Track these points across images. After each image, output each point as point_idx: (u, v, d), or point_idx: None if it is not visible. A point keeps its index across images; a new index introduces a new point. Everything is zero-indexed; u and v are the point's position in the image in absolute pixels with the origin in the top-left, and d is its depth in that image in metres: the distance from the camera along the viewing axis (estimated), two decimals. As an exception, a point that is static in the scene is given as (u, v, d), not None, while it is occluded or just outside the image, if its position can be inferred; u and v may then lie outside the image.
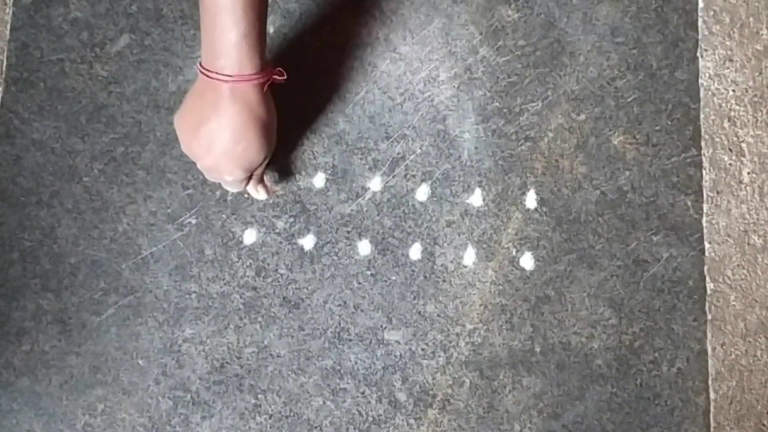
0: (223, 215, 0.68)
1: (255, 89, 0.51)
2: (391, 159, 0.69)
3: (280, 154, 0.69)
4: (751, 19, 0.71)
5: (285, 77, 0.54)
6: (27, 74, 0.70)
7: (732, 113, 0.70)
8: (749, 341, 0.67)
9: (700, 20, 0.71)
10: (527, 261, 0.68)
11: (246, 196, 0.69)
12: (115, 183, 0.69)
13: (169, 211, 0.69)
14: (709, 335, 0.68)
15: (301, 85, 0.70)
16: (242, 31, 0.48)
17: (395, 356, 0.67)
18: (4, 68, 0.70)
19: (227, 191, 0.68)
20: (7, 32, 0.70)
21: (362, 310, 0.68)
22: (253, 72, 0.50)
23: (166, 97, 0.70)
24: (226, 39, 0.48)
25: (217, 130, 0.51)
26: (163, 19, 0.71)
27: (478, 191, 0.69)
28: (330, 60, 0.70)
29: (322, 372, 0.67)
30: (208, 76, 0.50)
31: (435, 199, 0.69)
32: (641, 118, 0.70)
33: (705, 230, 0.69)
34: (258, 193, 0.63)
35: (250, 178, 0.59)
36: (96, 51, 0.70)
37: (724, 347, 0.67)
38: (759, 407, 0.67)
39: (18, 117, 0.69)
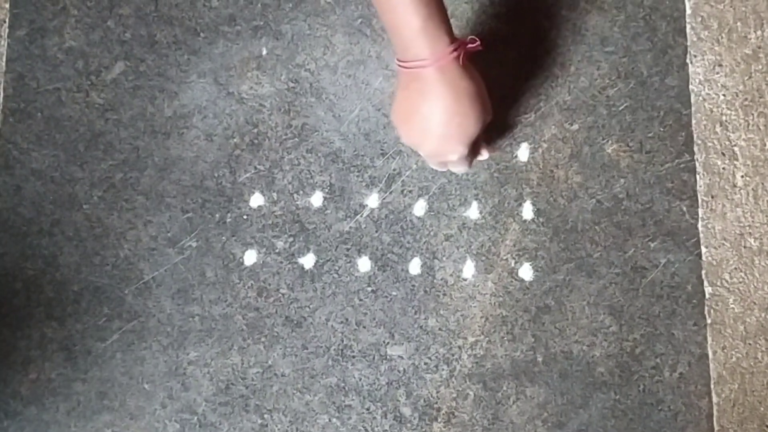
0: (223, 237, 0.69)
1: (453, 65, 0.51)
2: (387, 175, 0.70)
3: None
4: (738, 23, 0.71)
5: (478, 42, 0.54)
6: (24, 105, 0.71)
7: (723, 118, 0.70)
8: (749, 344, 0.68)
9: (688, 26, 0.72)
10: (526, 272, 0.69)
11: (245, 217, 0.69)
12: (115, 209, 0.69)
13: (169, 235, 0.69)
14: (709, 339, 0.68)
15: (295, 106, 0.71)
16: (423, 16, 0.48)
17: (399, 371, 0.68)
18: (1, 99, 0.71)
19: (226, 214, 0.69)
20: (3, 63, 0.71)
21: (364, 327, 0.68)
22: (445, 48, 0.50)
23: (162, 122, 0.70)
24: (410, 28, 0.49)
25: (429, 114, 0.52)
26: (157, 45, 0.71)
27: (474, 204, 0.70)
28: (323, 79, 0.71)
29: (327, 389, 0.68)
30: (406, 67, 0.51)
31: (432, 213, 0.70)
32: (634, 125, 0.70)
33: (701, 235, 0.69)
34: (482, 155, 0.61)
35: (474, 152, 0.58)
36: (92, 79, 0.71)
37: (725, 350, 0.68)
38: (762, 409, 0.67)
39: (17, 147, 0.70)
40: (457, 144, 0.54)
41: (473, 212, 0.69)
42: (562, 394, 0.67)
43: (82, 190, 0.70)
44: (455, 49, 0.50)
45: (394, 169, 0.70)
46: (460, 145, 0.55)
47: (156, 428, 0.67)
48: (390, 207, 0.70)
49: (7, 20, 0.72)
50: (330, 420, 0.67)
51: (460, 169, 0.60)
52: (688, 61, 0.71)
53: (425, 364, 0.68)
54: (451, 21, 0.71)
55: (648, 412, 0.67)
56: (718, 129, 0.70)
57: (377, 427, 0.67)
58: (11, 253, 0.69)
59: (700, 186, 0.70)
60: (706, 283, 0.69)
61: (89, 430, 0.67)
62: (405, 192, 0.70)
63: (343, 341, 0.68)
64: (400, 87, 0.54)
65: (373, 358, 0.68)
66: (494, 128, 0.70)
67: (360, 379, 0.68)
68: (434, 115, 0.52)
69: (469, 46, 0.53)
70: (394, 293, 0.69)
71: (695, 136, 0.70)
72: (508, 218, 0.69)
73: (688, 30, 0.72)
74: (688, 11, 0.72)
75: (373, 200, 0.70)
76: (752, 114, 0.70)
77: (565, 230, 0.69)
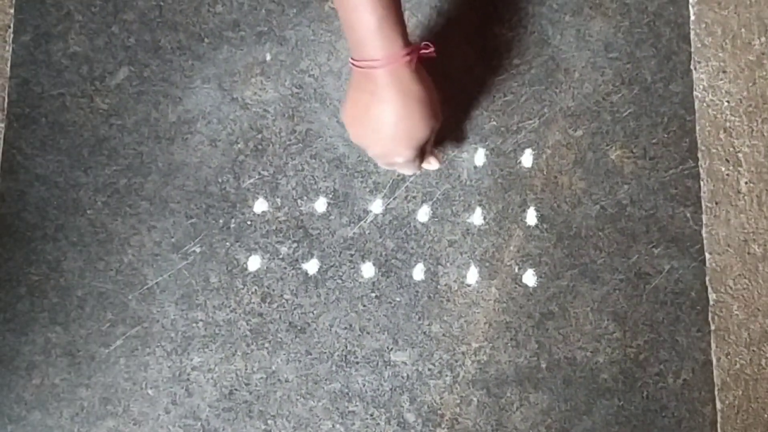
0: (227, 243, 0.69)
1: (405, 68, 0.51)
2: (391, 181, 0.70)
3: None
4: (743, 30, 0.71)
5: (432, 49, 0.54)
6: (29, 110, 0.71)
7: (727, 124, 0.70)
8: (753, 350, 0.68)
9: (692, 33, 0.72)
10: (530, 278, 0.69)
11: (249, 223, 0.69)
12: (119, 215, 0.69)
13: (173, 240, 0.69)
14: (713, 345, 0.68)
15: (299, 111, 0.71)
16: (379, 16, 0.49)
17: (402, 377, 0.68)
18: (5, 105, 0.71)
19: (230, 219, 0.69)
20: (8, 69, 0.71)
21: (368, 333, 0.68)
22: (399, 51, 0.51)
23: (166, 128, 0.70)
24: (365, 27, 0.49)
25: (380, 116, 0.53)
26: (161, 51, 0.71)
27: (478, 210, 0.70)
28: (327, 85, 0.71)
29: (331, 395, 0.68)
30: (359, 66, 0.51)
31: (436, 219, 0.70)
32: (638, 131, 0.70)
33: (705, 241, 0.69)
34: (431, 164, 0.63)
35: (422, 155, 0.59)
36: (96, 84, 0.71)
37: (729, 357, 0.68)
38: (766, 416, 0.67)
39: (21, 153, 0.70)
40: (404, 147, 0.55)
41: (477, 218, 0.69)
42: (566, 401, 0.67)
43: (86, 195, 0.70)
44: (408, 53, 0.51)
45: (398, 175, 0.70)
46: (408, 149, 0.55)
47: (160, 434, 0.67)
48: (394, 213, 0.70)
49: (11, 26, 0.72)
50: (333, 426, 0.67)
51: (407, 171, 0.60)
52: (692, 67, 0.71)
53: (429, 370, 0.68)
54: (456, 26, 0.71)
55: (652, 419, 0.67)
56: (722, 135, 0.70)
57: (381, 433, 0.67)
58: (15, 258, 0.69)
59: (704, 192, 0.70)
60: (710, 290, 0.69)
61: (93, 436, 0.67)
62: (409, 198, 0.70)
63: (346, 347, 0.68)
64: (352, 87, 0.54)
65: (377, 363, 0.68)
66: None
67: (364, 385, 0.68)
68: (384, 117, 0.52)
69: (423, 51, 0.53)
70: (397, 299, 0.69)
71: (699, 142, 0.70)
72: (511, 224, 0.69)
73: (692, 36, 0.72)
74: (692, 17, 0.72)
75: (376, 206, 0.70)
76: (756, 120, 0.70)
77: (568, 236, 0.69)
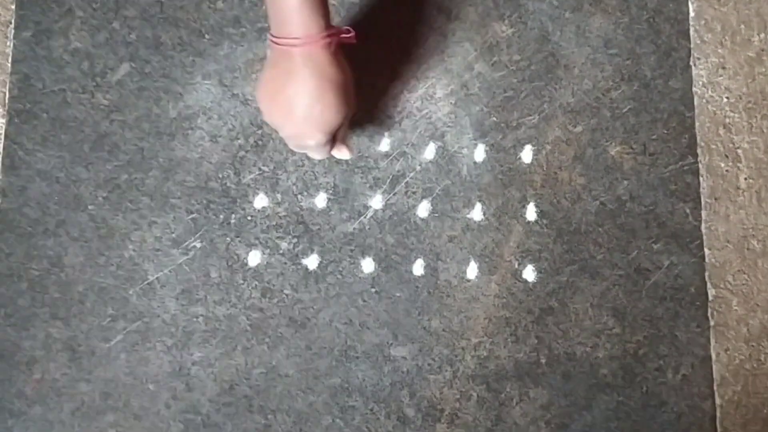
0: (228, 238, 0.69)
1: (324, 51, 0.51)
2: (391, 177, 0.70)
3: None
4: (742, 26, 0.71)
5: (353, 34, 0.54)
6: (30, 105, 0.71)
7: (727, 120, 0.70)
8: (752, 345, 0.68)
9: (691, 29, 0.72)
10: (529, 273, 0.69)
11: (250, 218, 0.69)
12: (120, 210, 0.70)
13: (173, 236, 0.69)
14: (712, 341, 0.68)
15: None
16: None
17: (402, 372, 0.68)
18: (7, 100, 0.71)
19: (230, 215, 0.69)
20: (9, 65, 0.72)
21: (368, 328, 0.68)
22: (319, 33, 0.51)
23: (167, 123, 0.71)
24: (288, 5, 0.49)
25: (294, 96, 0.52)
26: (162, 47, 0.72)
27: (478, 206, 0.70)
28: (328, 81, 0.71)
29: (331, 390, 0.68)
30: (278, 43, 0.51)
31: (436, 215, 0.70)
32: (637, 128, 0.70)
33: (704, 237, 0.69)
34: (341, 153, 0.63)
35: (333, 142, 0.59)
36: (97, 80, 0.71)
37: (728, 352, 0.68)
38: (765, 411, 0.67)
39: (22, 148, 0.70)
40: (316, 131, 0.54)
41: (477, 214, 0.70)
42: (566, 396, 0.68)
43: (87, 190, 0.70)
44: (328, 35, 0.51)
45: (398, 171, 0.70)
46: (320, 133, 0.55)
47: (160, 428, 0.67)
48: (394, 208, 0.70)
49: (13, 21, 0.72)
50: (333, 420, 0.67)
51: (316, 155, 0.60)
52: (691, 63, 0.71)
53: (429, 365, 0.68)
54: (455, 23, 0.71)
55: (651, 414, 0.67)
56: (721, 131, 0.70)
57: (381, 427, 0.67)
58: (16, 254, 0.69)
59: (704, 188, 0.70)
60: (709, 285, 0.69)
61: (93, 430, 0.67)
62: (409, 193, 0.70)
63: (346, 342, 0.68)
64: (269, 64, 0.54)
65: (377, 359, 0.68)
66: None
67: (363, 380, 0.68)
68: (300, 98, 0.52)
69: (343, 36, 0.53)
70: (397, 294, 0.69)
71: (699, 138, 0.70)
72: (511, 220, 0.70)
73: (691, 33, 0.72)
74: (692, 14, 0.72)
75: (376, 202, 0.70)
76: (756, 116, 0.70)
77: (568, 232, 0.69)
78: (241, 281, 0.69)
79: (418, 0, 0.72)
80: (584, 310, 0.68)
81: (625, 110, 0.71)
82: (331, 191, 0.70)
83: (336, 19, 0.72)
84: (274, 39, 0.52)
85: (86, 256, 0.69)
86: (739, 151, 0.70)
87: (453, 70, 0.71)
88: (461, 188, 0.70)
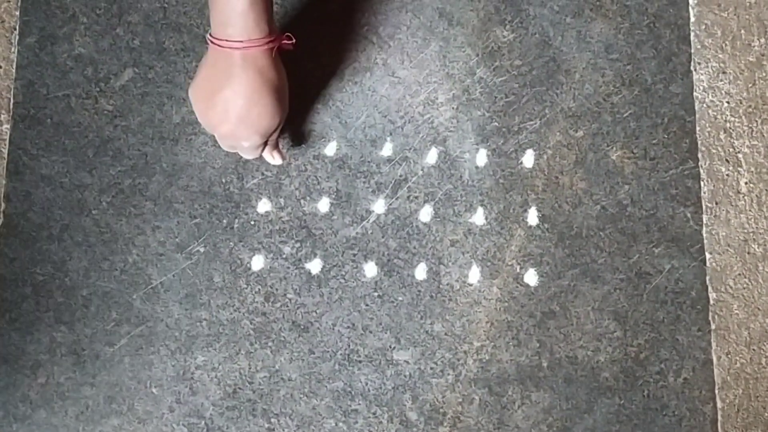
0: (231, 243, 0.70)
1: (265, 54, 0.52)
2: (393, 181, 0.71)
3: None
4: (742, 31, 0.72)
5: (293, 41, 0.55)
6: (34, 111, 0.71)
7: (727, 125, 0.71)
8: (754, 349, 0.68)
9: (692, 34, 0.72)
10: (531, 277, 0.69)
11: (253, 223, 0.70)
12: (124, 215, 0.70)
13: (177, 240, 0.70)
14: (713, 344, 0.69)
15: (303, 112, 0.71)
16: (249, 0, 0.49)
17: (405, 376, 0.68)
18: (11, 106, 0.72)
19: (233, 219, 0.70)
20: (13, 70, 0.72)
21: (371, 332, 0.69)
22: (261, 37, 0.51)
23: (170, 129, 0.71)
24: (233, 7, 0.49)
25: (231, 97, 0.53)
26: (166, 53, 0.72)
27: (480, 210, 0.70)
28: (330, 86, 0.72)
29: (334, 394, 0.68)
30: (218, 45, 0.51)
31: (438, 219, 0.70)
32: (638, 132, 0.71)
33: (705, 241, 0.70)
34: (274, 158, 0.63)
35: (265, 144, 0.59)
36: (101, 86, 0.72)
37: (729, 356, 0.68)
38: (766, 414, 0.68)
39: (26, 153, 0.71)
40: (252, 133, 0.55)
41: (479, 218, 0.70)
42: (567, 399, 0.68)
43: (91, 195, 0.70)
44: (271, 41, 0.51)
45: (401, 176, 0.71)
46: (255, 135, 0.55)
47: (164, 432, 0.68)
48: (396, 213, 0.70)
49: (17, 27, 0.72)
50: (336, 424, 0.68)
51: (248, 155, 0.61)
52: (692, 68, 0.72)
53: (431, 368, 0.68)
54: (456, 29, 0.72)
55: (652, 418, 0.68)
56: (722, 136, 0.71)
57: (383, 431, 0.68)
58: (21, 258, 0.70)
59: (704, 192, 0.70)
60: (710, 289, 0.69)
61: (98, 434, 0.68)
62: (411, 198, 0.70)
63: (349, 346, 0.69)
64: (206, 64, 0.54)
65: (380, 362, 0.68)
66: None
67: (366, 384, 0.68)
68: (237, 99, 0.52)
69: (284, 42, 0.54)
70: (400, 298, 0.69)
71: (699, 142, 0.71)
72: (513, 224, 0.70)
73: (692, 38, 0.72)
74: (692, 19, 0.72)
75: (379, 206, 0.70)
76: (756, 121, 0.71)
77: (570, 236, 0.70)
78: (245, 285, 0.69)
79: (419, 5, 0.72)
80: (585, 313, 0.69)
81: (626, 115, 0.71)
82: (333, 196, 0.70)
83: (338, 23, 0.72)
84: (214, 40, 0.52)
85: (90, 261, 0.69)
86: (740, 155, 0.70)
87: (454, 75, 0.72)
88: (463, 193, 0.70)
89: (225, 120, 0.54)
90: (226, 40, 0.51)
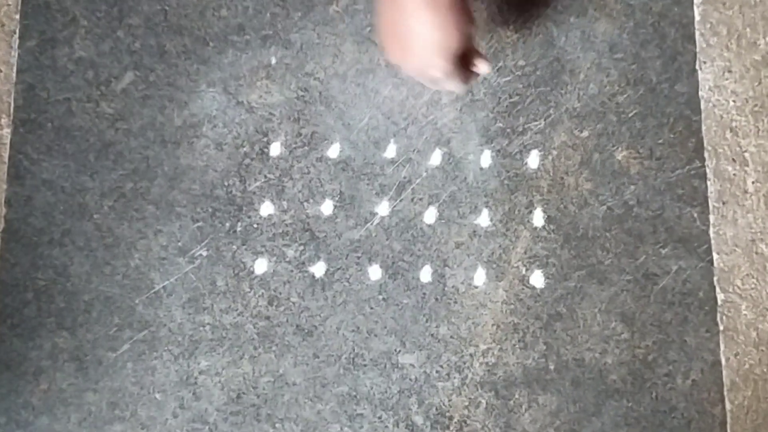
0: (234, 246, 0.69)
1: None
2: (397, 183, 0.70)
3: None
4: (748, 29, 0.71)
5: None
6: (35, 115, 0.71)
7: (734, 124, 0.70)
8: (762, 350, 0.68)
9: (697, 33, 0.72)
10: (537, 279, 0.69)
11: (256, 226, 0.69)
12: (126, 219, 0.69)
13: (179, 244, 0.69)
14: (722, 346, 0.68)
15: (304, 114, 0.71)
16: None
17: (410, 379, 0.68)
18: (11, 110, 0.71)
19: (236, 223, 0.69)
20: (14, 74, 0.71)
21: (375, 335, 0.68)
22: None
23: (172, 132, 0.70)
24: None
25: (411, 29, 0.52)
26: (167, 55, 0.71)
27: (485, 212, 0.70)
28: (333, 88, 0.71)
29: (338, 398, 0.67)
30: None
31: (443, 221, 0.69)
32: (644, 132, 0.70)
33: (712, 241, 0.69)
34: (480, 68, 0.59)
35: (464, 67, 0.56)
36: (101, 89, 0.71)
37: (738, 357, 0.68)
38: (775, 416, 0.67)
39: (27, 158, 0.70)
40: (439, 58, 0.53)
41: (484, 220, 0.69)
42: (575, 402, 0.67)
43: (92, 199, 0.70)
44: None
45: (404, 177, 0.70)
46: (443, 60, 0.53)
47: (167, 438, 0.67)
48: (400, 215, 0.70)
49: (17, 31, 0.72)
50: (342, 429, 0.67)
51: (453, 88, 0.58)
52: (697, 67, 0.71)
53: (437, 372, 0.68)
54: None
55: (661, 420, 0.67)
56: (728, 135, 0.70)
57: (389, 436, 0.67)
58: (22, 263, 0.69)
59: (711, 192, 0.70)
60: (718, 290, 0.68)
61: (101, 441, 0.67)
62: (415, 200, 0.70)
63: (354, 350, 0.68)
64: (381, 5, 0.53)
65: (385, 366, 0.68)
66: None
67: (371, 388, 0.67)
68: (415, 28, 0.51)
69: None
70: (405, 301, 0.68)
71: (705, 142, 0.70)
72: (518, 225, 0.69)
73: (697, 36, 0.72)
74: (697, 18, 0.72)
75: (383, 208, 0.70)
76: (762, 120, 0.70)
77: (576, 237, 0.69)
78: (248, 289, 0.69)
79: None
80: (592, 315, 0.68)
81: (631, 115, 0.71)
82: (337, 198, 0.70)
83: (340, 25, 0.72)
84: None
85: (92, 266, 0.69)
86: (746, 154, 0.70)
87: (458, 75, 0.71)
88: (468, 194, 0.70)
89: (411, 53, 0.53)
90: None
